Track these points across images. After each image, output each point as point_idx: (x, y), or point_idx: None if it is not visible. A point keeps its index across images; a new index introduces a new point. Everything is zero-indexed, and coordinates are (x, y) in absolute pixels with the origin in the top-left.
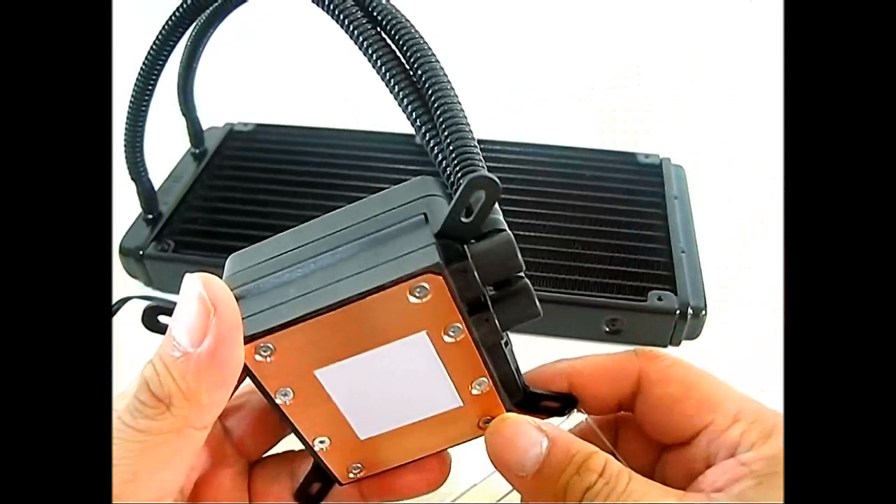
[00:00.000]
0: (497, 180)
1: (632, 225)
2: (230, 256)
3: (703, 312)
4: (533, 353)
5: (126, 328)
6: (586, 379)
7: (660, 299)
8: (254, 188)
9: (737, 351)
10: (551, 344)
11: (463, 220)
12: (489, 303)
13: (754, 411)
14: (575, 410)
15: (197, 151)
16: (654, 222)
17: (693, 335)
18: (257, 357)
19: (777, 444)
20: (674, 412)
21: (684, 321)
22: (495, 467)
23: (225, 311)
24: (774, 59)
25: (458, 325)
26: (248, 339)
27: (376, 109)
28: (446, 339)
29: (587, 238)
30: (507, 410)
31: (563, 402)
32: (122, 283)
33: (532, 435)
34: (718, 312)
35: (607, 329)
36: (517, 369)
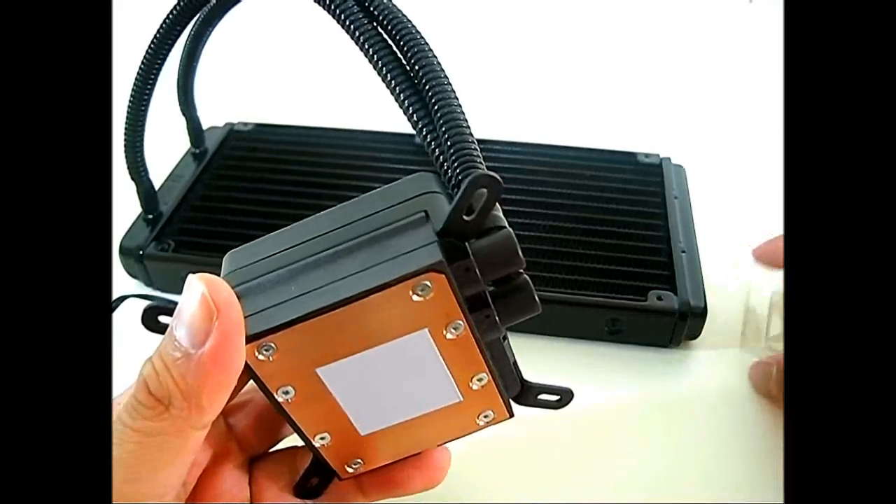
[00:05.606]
0: (499, 178)
1: (632, 225)
2: (228, 253)
3: (704, 312)
4: (533, 353)
5: (123, 327)
6: None
7: (660, 299)
8: (254, 188)
9: (737, 350)
10: (551, 344)
11: (465, 218)
12: (489, 299)
13: None
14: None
15: (197, 151)
16: (654, 222)
17: (693, 335)
18: (259, 356)
19: None
20: None
21: (684, 321)
22: None
23: (228, 313)
24: (775, 58)
25: (460, 321)
26: (251, 339)
27: (376, 109)
28: (447, 335)
29: (587, 238)
30: (506, 404)
31: (560, 395)
32: (122, 282)
33: None
34: (719, 312)
35: (607, 329)
36: (515, 363)
